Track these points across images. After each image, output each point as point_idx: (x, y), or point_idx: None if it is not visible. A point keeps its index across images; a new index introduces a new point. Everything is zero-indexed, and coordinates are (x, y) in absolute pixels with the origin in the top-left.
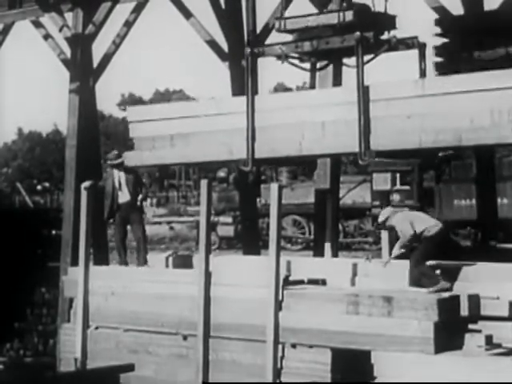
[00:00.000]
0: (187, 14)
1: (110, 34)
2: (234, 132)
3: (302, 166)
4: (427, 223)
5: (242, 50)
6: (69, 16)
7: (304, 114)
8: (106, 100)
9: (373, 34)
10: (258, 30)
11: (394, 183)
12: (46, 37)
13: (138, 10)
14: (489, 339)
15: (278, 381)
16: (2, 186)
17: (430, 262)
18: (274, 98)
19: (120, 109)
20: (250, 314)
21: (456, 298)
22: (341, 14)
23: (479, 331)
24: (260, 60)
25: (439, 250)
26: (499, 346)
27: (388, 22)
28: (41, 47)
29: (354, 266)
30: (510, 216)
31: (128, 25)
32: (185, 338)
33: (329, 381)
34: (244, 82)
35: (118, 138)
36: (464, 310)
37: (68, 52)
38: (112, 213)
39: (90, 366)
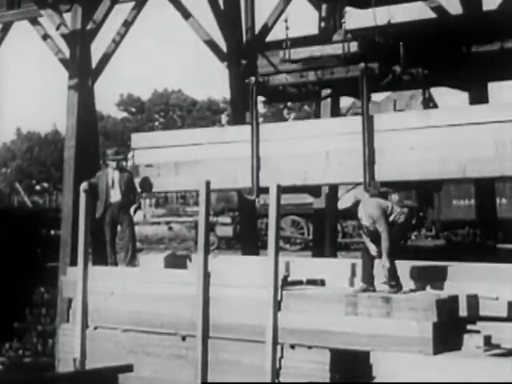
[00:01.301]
0: (186, 14)
1: (108, 34)
2: (238, 160)
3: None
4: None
5: (240, 50)
6: (67, 16)
7: (309, 143)
8: (105, 100)
9: (377, 65)
10: (257, 30)
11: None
12: (45, 37)
13: (136, 9)
14: (487, 340)
15: (276, 381)
16: (0, 186)
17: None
18: (279, 127)
19: (119, 109)
20: (248, 314)
21: (455, 299)
22: (346, 44)
23: (478, 332)
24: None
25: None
26: (498, 346)
27: (393, 50)
28: (40, 47)
29: (353, 266)
30: (509, 216)
31: (127, 25)
32: (184, 338)
33: (328, 381)
34: (249, 109)
35: (117, 138)
36: (463, 311)
37: (67, 52)
38: (105, 212)
39: (89, 366)
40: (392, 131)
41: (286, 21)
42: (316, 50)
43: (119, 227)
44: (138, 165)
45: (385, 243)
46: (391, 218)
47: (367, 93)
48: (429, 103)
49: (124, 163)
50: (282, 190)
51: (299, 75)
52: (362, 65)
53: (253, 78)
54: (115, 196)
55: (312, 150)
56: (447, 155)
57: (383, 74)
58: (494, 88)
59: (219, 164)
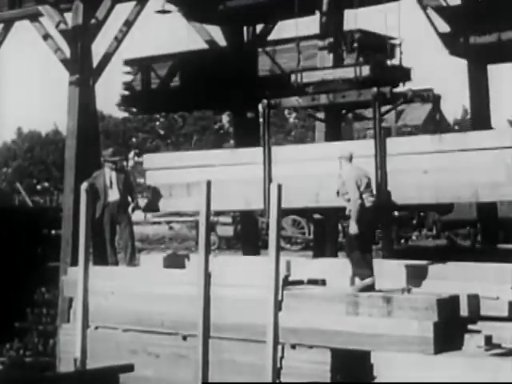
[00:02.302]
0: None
1: (109, 34)
2: (250, 182)
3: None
4: (368, 188)
5: (240, 50)
6: (68, 17)
7: (321, 165)
8: (106, 100)
9: (389, 89)
10: (258, 30)
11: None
12: (46, 37)
13: (137, 9)
14: (488, 339)
15: (277, 381)
16: (1, 185)
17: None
18: (291, 150)
19: (119, 109)
20: (249, 314)
21: (456, 299)
22: (357, 68)
23: (479, 331)
24: None
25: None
26: (499, 346)
27: (403, 74)
28: (41, 47)
29: None
30: (510, 216)
31: (128, 24)
32: (184, 338)
33: (328, 381)
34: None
35: (118, 137)
36: (464, 311)
37: (67, 51)
38: (103, 212)
39: (90, 366)
40: (405, 155)
41: (298, 45)
42: (328, 74)
43: (118, 227)
44: (149, 185)
45: (352, 208)
46: (360, 189)
47: (379, 116)
48: (440, 123)
49: (124, 163)
50: (296, 212)
51: (311, 98)
52: (375, 90)
53: (265, 101)
54: (113, 196)
55: (324, 172)
56: (460, 179)
57: (395, 98)
58: None
59: (231, 186)
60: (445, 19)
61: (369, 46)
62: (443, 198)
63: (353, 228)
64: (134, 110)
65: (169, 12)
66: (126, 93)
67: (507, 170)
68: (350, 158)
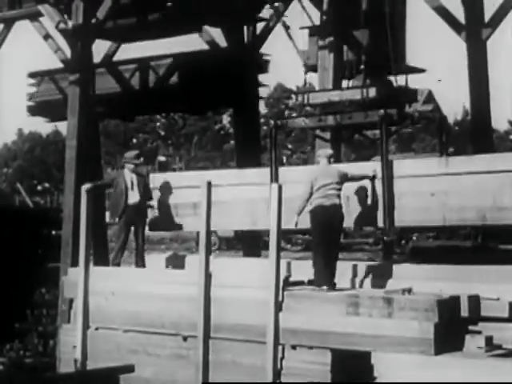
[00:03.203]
0: None
1: None
2: (257, 202)
3: None
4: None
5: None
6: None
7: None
8: None
9: (396, 111)
10: (258, 31)
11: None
12: (46, 37)
13: None
14: (489, 340)
15: (278, 382)
16: (2, 186)
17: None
18: (298, 170)
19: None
20: (250, 314)
21: (456, 299)
22: (364, 90)
23: (479, 332)
24: None
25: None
26: (499, 347)
27: (409, 95)
28: (41, 47)
29: (354, 266)
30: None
31: None
32: (185, 338)
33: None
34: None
35: (118, 138)
36: (464, 311)
37: (68, 52)
38: (123, 213)
39: (90, 366)
40: (412, 177)
41: (305, 72)
42: (335, 95)
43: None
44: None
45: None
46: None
47: (386, 138)
48: (446, 144)
49: (144, 167)
50: (302, 232)
51: (318, 119)
52: (382, 112)
53: (272, 122)
54: (133, 198)
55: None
56: (467, 202)
57: (401, 119)
58: None
59: (238, 205)
60: None
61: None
62: (450, 220)
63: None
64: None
65: None
66: (31, 103)
67: None
68: (329, 157)
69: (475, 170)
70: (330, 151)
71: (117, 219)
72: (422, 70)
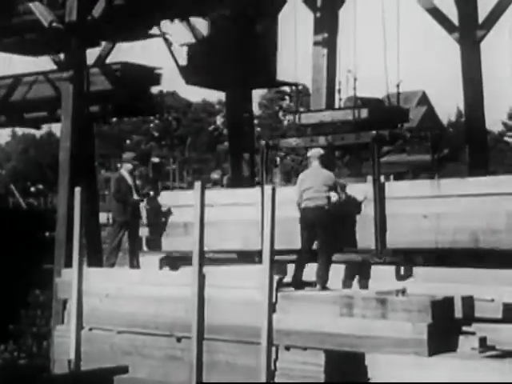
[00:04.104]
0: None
1: None
2: (249, 223)
3: None
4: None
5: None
6: None
7: None
8: None
9: (388, 132)
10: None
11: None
12: None
13: None
14: (483, 341)
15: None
16: None
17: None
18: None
19: None
20: (243, 315)
21: (450, 301)
22: (356, 111)
23: (473, 333)
24: None
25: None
26: (493, 348)
27: (401, 115)
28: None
29: (347, 267)
30: None
31: None
32: (179, 339)
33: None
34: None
35: (113, 140)
36: (458, 313)
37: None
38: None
39: (84, 367)
40: (405, 198)
41: (299, 92)
42: (327, 116)
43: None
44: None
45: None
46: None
47: (378, 159)
48: (437, 162)
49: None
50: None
51: (310, 139)
52: (373, 132)
53: (263, 142)
54: (134, 199)
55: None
56: (460, 225)
57: (393, 139)
58: None
59: (230, 226)
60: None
61: None
62: (442, 243)
63: None
64: None
65: None
66: None
67: (507, 217)
68: (319, 157)
69: (468, 192)
70: (321, 151)
71: (117, 219)
72: (293, 84)
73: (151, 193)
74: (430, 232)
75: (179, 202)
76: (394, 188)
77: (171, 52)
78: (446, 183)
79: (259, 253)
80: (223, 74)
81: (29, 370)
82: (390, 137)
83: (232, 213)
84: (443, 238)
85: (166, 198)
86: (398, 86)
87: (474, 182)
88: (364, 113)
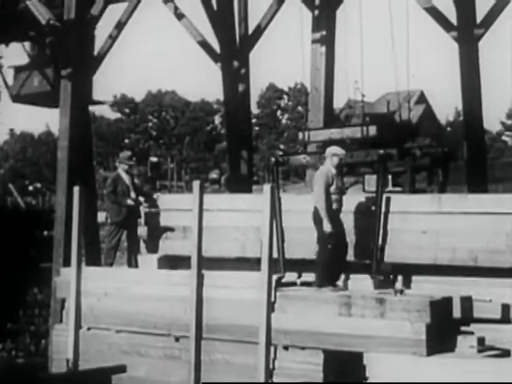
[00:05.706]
0: (179, 14)
1: (101, 35)
2: (247, 230)
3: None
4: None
5: (233, 51)
6: None
7: None
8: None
9: (396, 150)
10: (250, 31)
11: (385, 185)
12: None
13: (130, 10)
14: (481, 341)
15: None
16: None
17: None
18: (296, 200)
19: (112, 110)
20: (242, 315)
21: (449, 300)
22: (364, 128)
23: (472, 333)
24: (253, 59)
25: None
26: (491, 347)
27: (411, 131)
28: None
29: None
30: None
31: (120, 26)
32: (177, 339)
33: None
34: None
35: (110, 138)
36: (457, 312)
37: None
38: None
39: (82, 367)
40: (405, 213)
41: (306, 115)
42: (335, 133)
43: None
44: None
45: None
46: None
47: (383, 177)
48: (445, 182)
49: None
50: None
51: (319, 157)
52: (381, 152)
53: (273, 159)
54: (131, 199)
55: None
56: (459, 242)
57: (402, 156)
58: None
59: (228, 232)
60: None
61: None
62: (441, 259)
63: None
64: None
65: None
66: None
67: (507, 237)
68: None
69: (468, 210)
70: (343, 151)
71: (113, 219)
72: (102, 103)
73: (142, 200)
74: (429, 248)
75: (178, 205)
76: (397, 203)
77: (2, 74)
78: (446, 199)
79: (258, 260)
80: None
81: (27, 369)
82: (399, 154)
83: (231, 218)
84: (442, 254)
85: (164, 202)
86: (408, 101)
87: (474, 199)
88: (373, 130)
